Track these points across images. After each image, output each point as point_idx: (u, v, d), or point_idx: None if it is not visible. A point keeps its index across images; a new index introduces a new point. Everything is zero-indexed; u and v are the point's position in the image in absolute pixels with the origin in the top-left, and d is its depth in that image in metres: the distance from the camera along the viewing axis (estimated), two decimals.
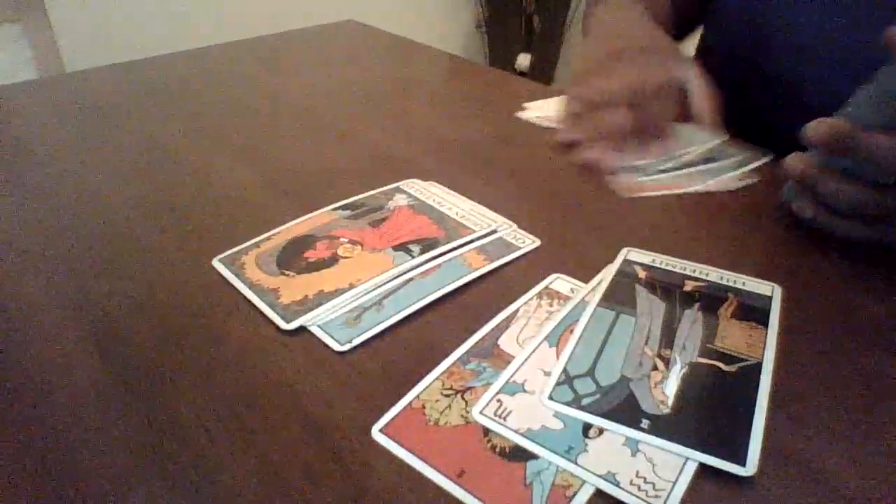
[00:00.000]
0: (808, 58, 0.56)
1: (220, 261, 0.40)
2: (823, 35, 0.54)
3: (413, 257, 0.39)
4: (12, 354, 0.33)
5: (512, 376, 0.31)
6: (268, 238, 0.42)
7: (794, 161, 0.40)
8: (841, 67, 0.53)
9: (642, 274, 0.38)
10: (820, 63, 0.55)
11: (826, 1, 0.54)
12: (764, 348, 0.33)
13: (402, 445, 0.28)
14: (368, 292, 0.37)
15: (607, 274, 0.38)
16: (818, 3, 0.55)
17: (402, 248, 0.40)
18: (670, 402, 0.29)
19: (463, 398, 0.30)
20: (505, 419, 0.29)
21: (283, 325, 0.34)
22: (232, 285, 0.38)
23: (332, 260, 0.39)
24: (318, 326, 0.34)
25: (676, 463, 0.27)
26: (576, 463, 0.27)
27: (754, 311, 0.35)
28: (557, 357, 0.32)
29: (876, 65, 0.38)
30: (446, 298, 0.37)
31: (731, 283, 0.38)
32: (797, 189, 0.42)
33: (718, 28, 0.68)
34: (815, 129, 0.38)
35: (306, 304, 0.36)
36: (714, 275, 0.38)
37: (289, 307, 0.35)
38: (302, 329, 0.35)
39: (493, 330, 0.34)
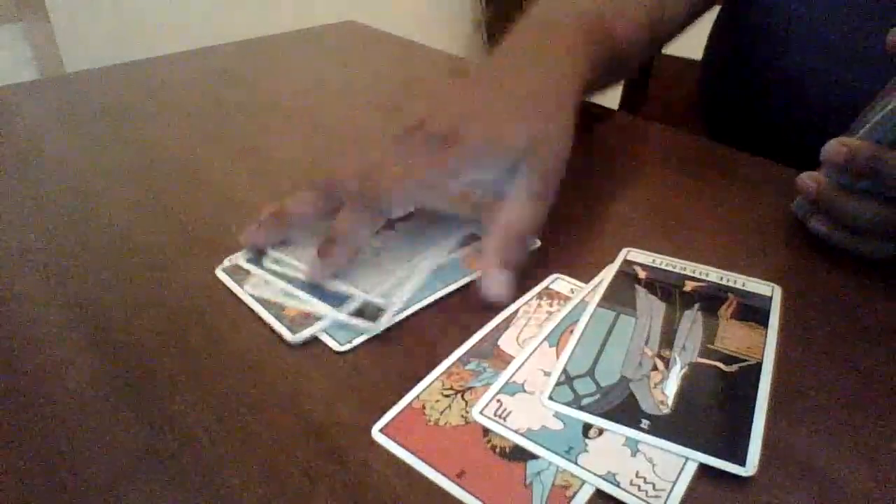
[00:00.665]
0: (827, 56, 0.55)
1: (223, 271, 0.39)
2: (843, 32, 0.54)
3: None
4: (12, 355, 0.33)
5: (512, 376, 0.31)
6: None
7: (809, 180, 0.40)
8: (861, 66, 0.52)
9: (642, 274, 0.38)
10: (840, 62, 0.54)
11: None
12: (764, 348, 0.33)
13: (402, 445, 0.28)
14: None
15: (607, 274, 0.38)
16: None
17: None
18: (670, 402, 0.30)
19: (463, 398, 0.30)
20: (505, 419, 0.29)
21: (290, 338, 0.34)
22: (235, 295, 0.38)
23: None
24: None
25: (676, 463, 0.27)
26: (576, 463, 0.27)
27: (754, 312, 0.35)
28: (557, 357, 0.32)
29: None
30: (446, 298, 0.37)
31: (731, 284, 0.38)
32: (811, 207, 0.42)
33: (730, 25, 0.66)
34: (835, 150, 0.38)
35: (312, 315, 0.35)
36: (714, 275, 0.38)
37: (294, 319, 0.35)
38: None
39: (493, 330, 0.34)
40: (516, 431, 0.28)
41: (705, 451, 0.27)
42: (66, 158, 0.54)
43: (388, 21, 2.07)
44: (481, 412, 0.29)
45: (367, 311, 0.35)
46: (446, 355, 0.33)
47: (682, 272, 0.39)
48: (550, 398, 0.30)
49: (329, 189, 0.39)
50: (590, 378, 0.31)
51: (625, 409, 0.29)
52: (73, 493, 0.26)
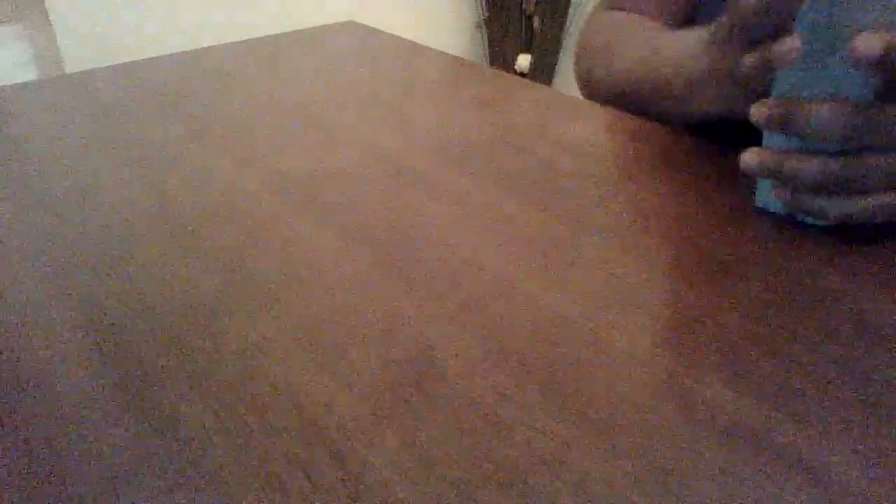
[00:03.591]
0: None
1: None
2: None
3: None
4: (12, 354, 0.33)
5: None
6: None
7: (751, 155, 0.41)
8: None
9: None
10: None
11: None
12: None
13: None
14: None
15: None
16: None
17: None
18: None
19: None
20: None
21: None
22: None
23: None
24: None
25: None
26: None
27: None
28: None
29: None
30: (447, 298, 0.37)
31: None
32: (767, 181, 0.42)
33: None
34: (757, 110, 0.40)
35: None
36: None
37: None
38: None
39: None
40: None
41: None
42: (65, 159, 0.54)
43: (389, 21, 2.07)
44: None
45: None
46: (446, 355, 0.33)
47: None
48: None
49: None
50: None
51: None
52: (73, 493, 0.26)
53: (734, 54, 0.43)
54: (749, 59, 0.40)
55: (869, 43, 0.34)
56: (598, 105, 0.64)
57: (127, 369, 0.32)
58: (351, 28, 0.92)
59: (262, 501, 0.26)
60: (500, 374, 0.32)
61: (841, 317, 0.36)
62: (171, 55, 0.79)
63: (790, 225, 0.43)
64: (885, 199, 0.38)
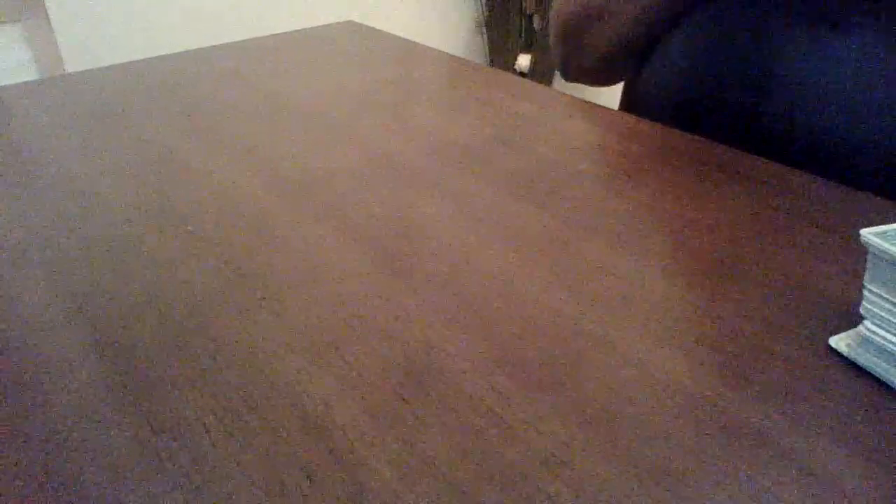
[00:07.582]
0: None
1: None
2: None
3: None
4: (12, 354, 0.33)
5: None
6: None
7: None
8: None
9: None
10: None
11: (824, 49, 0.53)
12: None
13: None
14: None
15: None
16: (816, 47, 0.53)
17: None
18: None
19: None
20: None
21: None
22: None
23: None
24: None
25: None
26: None
27: None
28: None
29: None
30: (447, 297, 0.37)
31: None
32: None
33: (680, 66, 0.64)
34: None
35: None
36: None
37: None
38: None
39: None
40: None
41: None
42: (65, 158, 0.54)
43: (388, 21, 2.07)
44: None
45: None
46: (446, 354, 0.33)
47: None
48: None
49: None
50: None
51: None
52: (73, 493, 0.26)
53: None
54: None
55: None
56: (598, 105, 0.64)
57: (127, 369, 0.32)
58: (351, 28, 0.92)
59: (262, 501, 0.26)
60: (500, 374, 0.32)
61: (840, 316, 0.36)
62: (171, 55, 0.79)
63: (794, 232, 0.43)
64: None
